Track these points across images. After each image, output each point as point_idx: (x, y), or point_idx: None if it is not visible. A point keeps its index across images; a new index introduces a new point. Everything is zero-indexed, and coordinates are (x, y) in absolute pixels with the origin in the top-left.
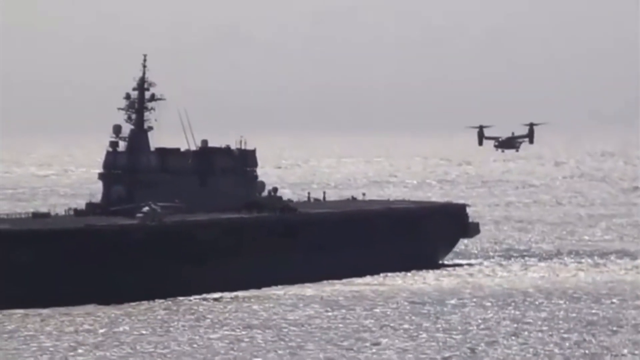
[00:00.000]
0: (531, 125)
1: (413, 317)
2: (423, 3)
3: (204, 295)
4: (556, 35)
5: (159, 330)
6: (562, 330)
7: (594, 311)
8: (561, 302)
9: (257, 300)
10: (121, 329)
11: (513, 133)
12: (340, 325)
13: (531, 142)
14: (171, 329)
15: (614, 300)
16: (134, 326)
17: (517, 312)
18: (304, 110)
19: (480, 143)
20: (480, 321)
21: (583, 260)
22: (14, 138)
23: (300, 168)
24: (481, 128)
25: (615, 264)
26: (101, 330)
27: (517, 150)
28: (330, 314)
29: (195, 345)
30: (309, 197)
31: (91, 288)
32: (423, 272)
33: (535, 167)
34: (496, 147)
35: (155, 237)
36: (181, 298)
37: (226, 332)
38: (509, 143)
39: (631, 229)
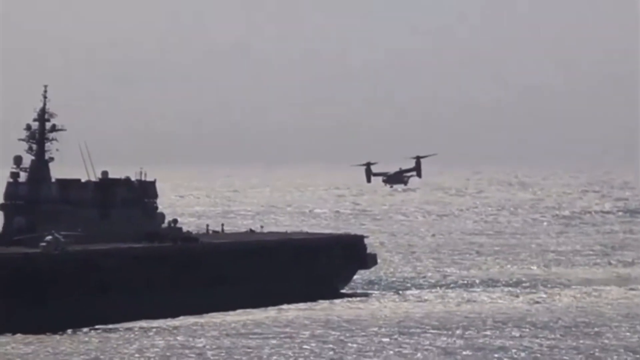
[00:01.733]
0: (418, 158)
1: (311, 345)
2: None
3: (107, 326)
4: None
5: None
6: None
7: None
8: (457, 330)
9: (160, 330)
10: None
11: (400, 168)
12: (239, 354)
13: (419, 175)
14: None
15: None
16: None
17: (412, 341)
18: (202, 143)
19: (369, 180)
20: (375, 349)
21: (476, 289)
22: None
23: (198, 199)
24: (368, 165)
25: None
26: None
27: (406, 185)
28: (229, 342)
29: None
30: (207, 229)
31: None
32: (321, 302)
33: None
34: (385, 182)
35: (58, 265)
36: (85, 329)
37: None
38: (397, 178)
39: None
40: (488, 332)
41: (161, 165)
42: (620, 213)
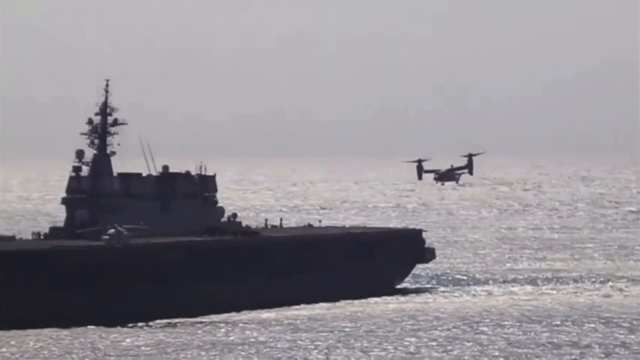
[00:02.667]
0: (470, 156)
1: (377, 340)
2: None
3: (169, 320)
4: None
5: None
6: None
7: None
8: (525, 325)
9: (221, 324)
10: (90, 352)
11: (452, 165)
12: (297, 349)
13: (470, 173)
14: (138, 355)
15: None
16: (102, 349)
17: (483, 336)
18: (261, 136)
19: (420, 177)
20: (442, 345)
21: (540, 284)
22: None
23: (259, 194)
24: (420, 162)
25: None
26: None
27: (457, 182)
28: (289, 337)
29: None
30: (266, 224)
31: (60, 309)
32: (381, 298)
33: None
34: (436, 180)
35: (121, 258)
36: (147, 323)
37: (189, 356)
38: (449, 175)
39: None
40: (554, 327)
41: (221, 157)
42: None
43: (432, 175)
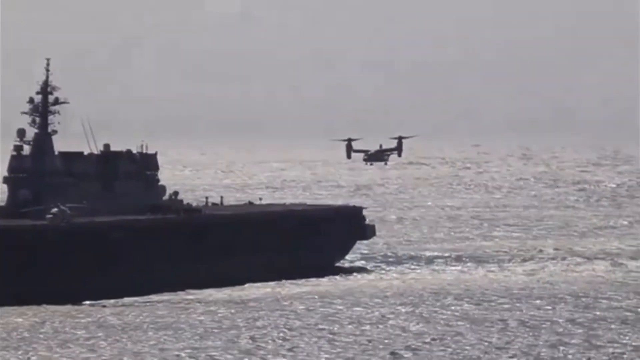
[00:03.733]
0: (400, 138)
1: (310, 319)
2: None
3: (114, 300)
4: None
5: (66, 336)
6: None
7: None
8: (452, 302)
9: (166, 304)
10: (27, 334)
11: (381, 146)
12: (239, 328)
13: (399, 155)
14: (80, 335)
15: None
16: (39, 329)
17: (409, 311)
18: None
19: (349, 156)
20: (381, 322)
21: (481, 262)
22: None
23: (200, 173)
24: (349, 141)
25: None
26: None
27: (386, 164)
28: (231, 316)
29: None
30: (207, 202)
31: (4, 289)
32: (321, 276)
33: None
34: (365, 160)
35: (66, 237)
36: (91, 302)
37: (127, 335)
38: (378, 156)
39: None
40: (484, 304)
41: (162, 139)
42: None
43: (361, 156)
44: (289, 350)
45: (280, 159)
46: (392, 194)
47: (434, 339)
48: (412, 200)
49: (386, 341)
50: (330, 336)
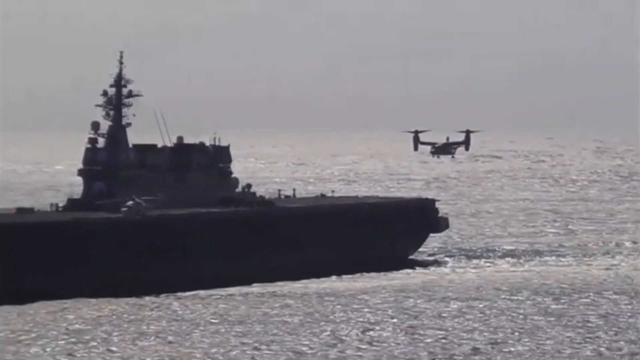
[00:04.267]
0: (467, 132)
1: (384, 312)
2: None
3: (187, 293)
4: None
5: (142, 328)
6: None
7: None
8: (537, 297)
9: (237, 297)
10: (105, 326)
11: (448, 138)
12: (313, 320)
13: (467, 148)
14: (152, 326)
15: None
16: (117, 321)
17: (482, 306)
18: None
19: (416, 148)
20: (455, 317)
21: (559, 256)
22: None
23: (272, 165)
24: (417, 133)
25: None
26: (86, 326)
27: (453, 157)
28: (307, 310)
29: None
30: (279, 194)
31: (82, 281)
32: (394, 269)
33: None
34: (432, 153)
35: (141, 230)
36: (166, 295)
37: (204, 328)
38: (445, 149)
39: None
40: (563, 299)
41: (235, 129)
42: None
43: (427, 148)
44: (369, 343)
45: (352, 151)
46: (466, 187)
47: (512, 334)
48: (485, 193)
49: (465, 336)
50: (410, 330)
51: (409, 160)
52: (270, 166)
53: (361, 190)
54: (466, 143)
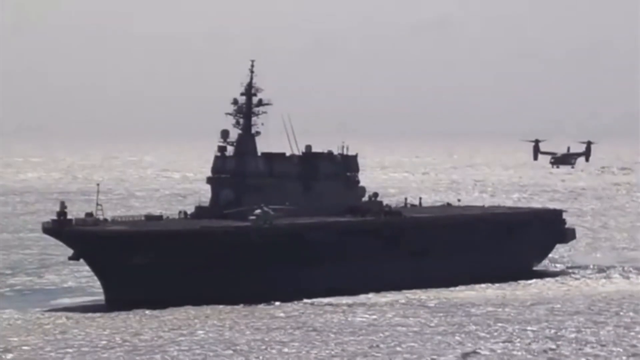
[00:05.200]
0: (589, 143)
1: (512, 325)
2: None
3: (313, 300)
4: None
5: (274, 334)
6: None
7: None
8: None
9: (364, 306)
10: (236, 333)
11: (569, 149)
12: (441, 333)
13: (587, 159)
14: (288, 332)
15: None
16: (249, 328)
17: (625, 320)
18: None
19: (536, 157)
20: (582, 330)
21: None
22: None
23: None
24: (537, 142)
25: None
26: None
27: (573, 167)
28: (437, 321)
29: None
30: (405, 203)
31: (209, 289)
32: (520, 280)
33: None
34: (552, 163)
35: (269, 239)
36: (292, 303)
37: (331, 337)
38: (565, 159)
39: None
40: None
41: (361, 138)
42: None
43: (547, 158)
44: (503, 355)
45: (475, 161)
46: (594, 198)
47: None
48: (613, 204)
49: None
50: (549, 343)
51: (534, 170)
52: (396, 175)
53: (486, 199)
54: (587, 154)
